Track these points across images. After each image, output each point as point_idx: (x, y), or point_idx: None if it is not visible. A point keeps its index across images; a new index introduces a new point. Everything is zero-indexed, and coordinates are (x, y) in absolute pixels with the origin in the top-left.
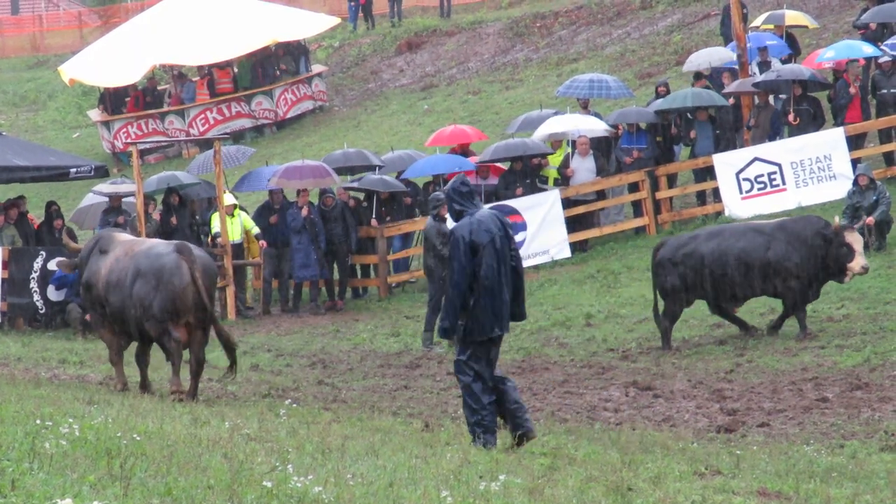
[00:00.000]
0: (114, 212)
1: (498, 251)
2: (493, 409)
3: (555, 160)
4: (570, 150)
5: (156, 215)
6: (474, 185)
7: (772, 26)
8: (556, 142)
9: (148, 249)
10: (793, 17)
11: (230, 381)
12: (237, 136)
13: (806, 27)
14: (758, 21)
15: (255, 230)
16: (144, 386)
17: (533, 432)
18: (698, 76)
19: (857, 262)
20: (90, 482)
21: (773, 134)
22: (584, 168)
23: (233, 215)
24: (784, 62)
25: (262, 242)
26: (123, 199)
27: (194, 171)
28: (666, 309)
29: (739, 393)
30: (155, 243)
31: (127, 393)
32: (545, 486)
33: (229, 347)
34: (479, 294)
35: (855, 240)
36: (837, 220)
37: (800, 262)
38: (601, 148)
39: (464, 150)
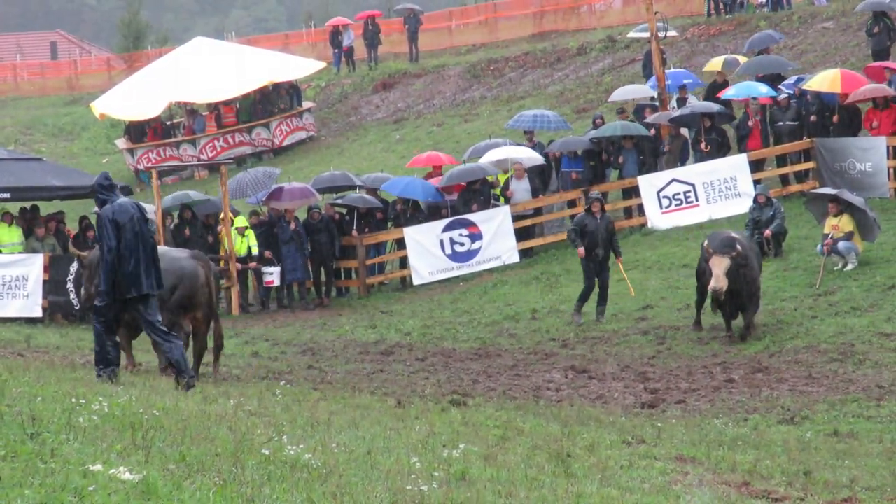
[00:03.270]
0: None
1: (136, 230)
2: (117, 348)
3: (501, 180)
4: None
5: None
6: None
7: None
8: (505, 169)
9: (164, 254)
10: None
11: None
12: (240, 161)
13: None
14: (717, 62)
15: (255, 251)
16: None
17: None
18: (621, 110)
19: (710, 283)
20: (117, 451)
21: (682, 158)
22: (520, 189)
23: (244, 235)
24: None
25: (253, 263)
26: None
27: (242, 194)
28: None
29: (660, 375)
30: (168, 250)
31: (147, 375)
32: (498, 453)
33: (219, 345)
34: (121, 262)
35: (715, 263)
36: (706, 243)
37: (702, 275)
38: (540, 173)
39: (437, 171)
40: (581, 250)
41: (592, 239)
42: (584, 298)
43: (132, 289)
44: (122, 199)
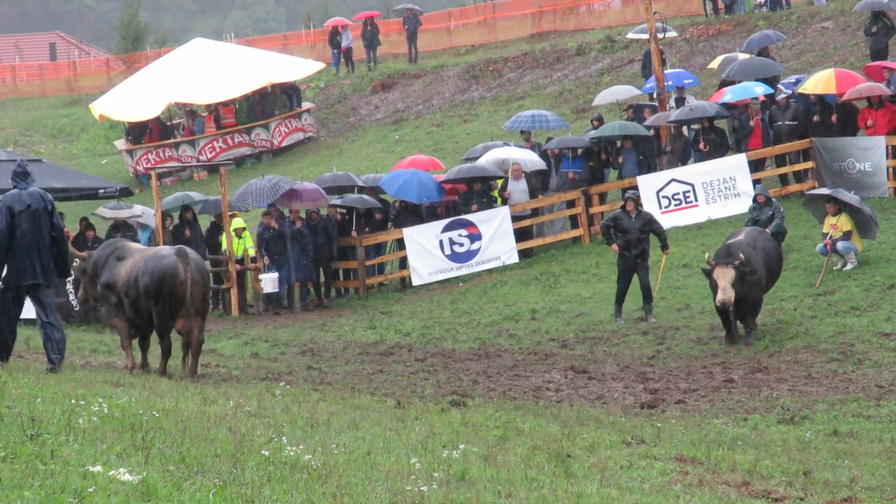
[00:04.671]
0: (117, 228)
1: (35, 220)
2: (13, 335)
3: (499, 183)
4: (509, 175)
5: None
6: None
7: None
8: (504, 169)
9: (154, 252)
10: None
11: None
12: (239, 162)
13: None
14: (717, 62)
15: (252, 252)
16: (143, 365)
17: (54, 368)
18: (629, 107)
19: (717, 297)
20: (117, 452)
21: (684, 158)
22: (518, 189)
23: (240, 237)
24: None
25: (254, 265)
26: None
27: (244, 199)
28: None
29: (660, 375)
30: (157, 249)
31: (147, 376)
32: (498, 453)
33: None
34: (14, 250)
35: (720, 276)
36: (708, 256)
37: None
38: (538, 173)
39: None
40: (615, 246)
41: (626, 238)
42: (619, 300)
43: (26, 276)
44: (30, 189)
